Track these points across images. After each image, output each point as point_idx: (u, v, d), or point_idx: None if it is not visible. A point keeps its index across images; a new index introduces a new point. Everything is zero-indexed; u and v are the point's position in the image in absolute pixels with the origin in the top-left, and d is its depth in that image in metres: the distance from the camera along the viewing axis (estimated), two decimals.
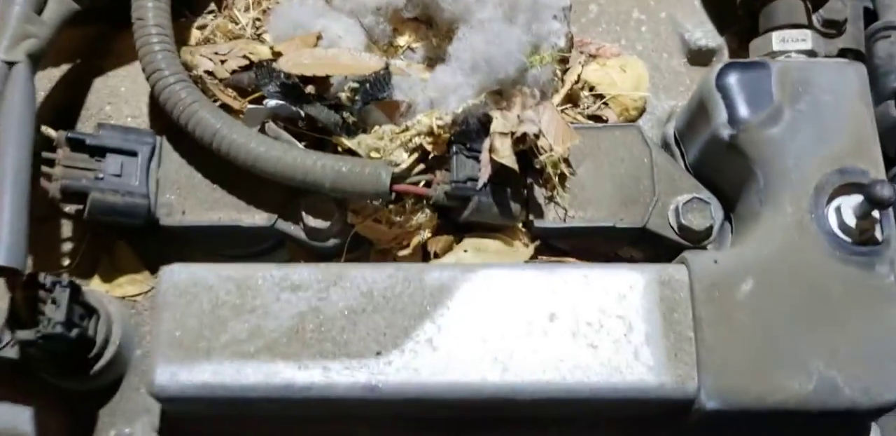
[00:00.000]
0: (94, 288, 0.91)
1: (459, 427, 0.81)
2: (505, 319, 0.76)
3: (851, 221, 0.78)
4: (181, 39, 0.95)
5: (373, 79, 0.82)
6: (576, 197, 0.86)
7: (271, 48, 0.88)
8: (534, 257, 0.87)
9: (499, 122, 0.81)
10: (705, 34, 1.01)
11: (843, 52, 0.95)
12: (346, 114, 0.83)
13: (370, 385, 0.74)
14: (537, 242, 0.87)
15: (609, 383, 0.74)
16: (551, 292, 0.76)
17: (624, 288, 0.76)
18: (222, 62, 0.92)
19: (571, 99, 0.93)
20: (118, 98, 0.99)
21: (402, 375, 0.74)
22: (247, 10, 0.99)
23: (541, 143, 0.81)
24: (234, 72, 0.91)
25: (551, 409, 0.76)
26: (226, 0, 1.00)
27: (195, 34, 0.98)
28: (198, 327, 0.76)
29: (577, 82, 0.92)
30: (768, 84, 0.82)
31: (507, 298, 0.76)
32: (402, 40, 0.95)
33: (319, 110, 0.83)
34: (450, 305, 0.76)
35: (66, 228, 0.94)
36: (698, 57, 1.00)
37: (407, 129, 0.83)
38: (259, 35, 0.96)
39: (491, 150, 0.81)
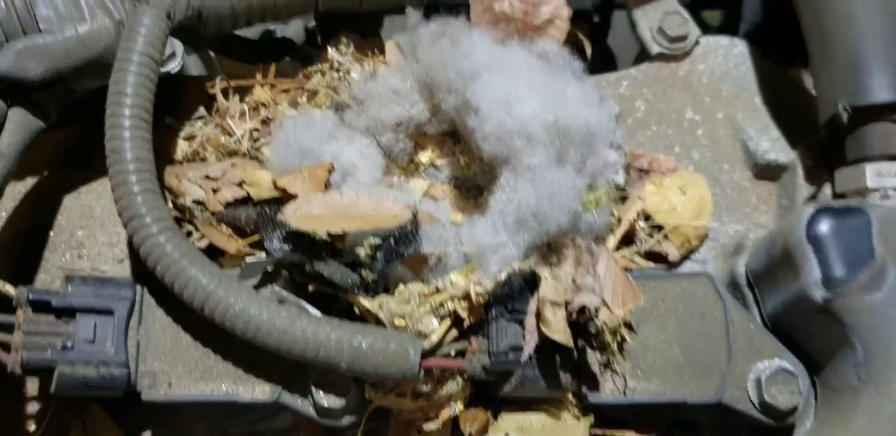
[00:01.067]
0: None
1: None
2: None
3: None
4: (164, 152, 0.82)
5: (398, 233, 0.68)
6: (637, 364, 0.73)
7: (274, 183, 0.74)
8: None
9: (549, 286, 0.67)
10: (773, 145, 0.87)
11: None
12: (365, 272, 0.69)
13: None
14: (591, 417, 0.74)
15: None
16: None
17: None
18: (214, 191, 0.78)
19: (627, 235, 0.79)
20: (93, 220, 0.85)
21: None
22: (241, 117, 0.84)
23: (601, 314, 0.67)
24: (228, 204, 0.77)
25: None
26: (216, 104, 0.85)
27: (181, 146, 0.84)
28: None
29: (636, 220, 0.78)
30: (869, 237, 0.69)
31: None
32: (425, 157, 0.82)
33: (334, 269, 0.69)
34: None
35: (31, 386, 0.80)
36: (765, 172, 0.87)
37: (438, 290, 0.69)
38: (257, 148, 0.82)
39: (539, 318, 0.67)
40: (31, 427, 0.79)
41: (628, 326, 0.71)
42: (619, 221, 0.77)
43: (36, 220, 0.84)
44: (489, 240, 0.67)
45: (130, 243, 0.80)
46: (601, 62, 1.15)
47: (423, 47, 0.77)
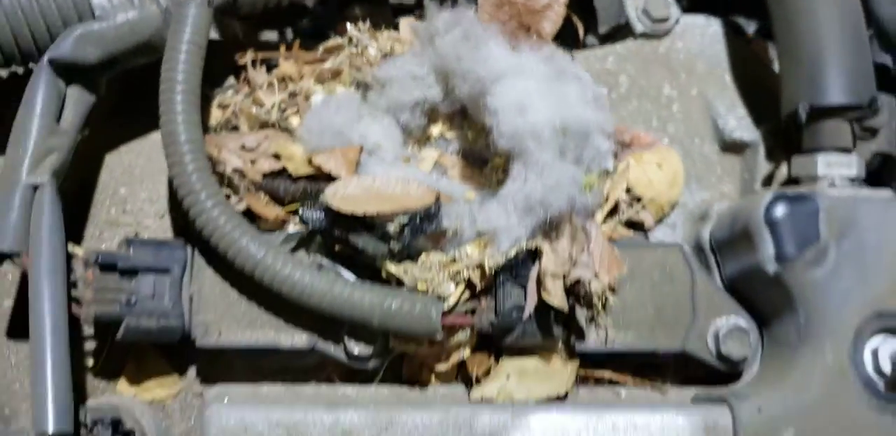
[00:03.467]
0: (122, 391, 0.89)
1: None
2: None
3: (887, 366, 0.80)
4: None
5: (423, 214, 0.79)
6: (617, 320, 0.87)
7: (309, 160, 0.84)
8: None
9: (549, 259, 0.80)
10: (739, 123, 0.98)
11: (875, 157, 0.95)
12: (392, 244, 0.80)
13: None
14: (577, 362, 0.88)
15: None
16: None
17: (670, 433, 0.78)
18: (252, 162, 0.87)
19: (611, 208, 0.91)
20: (133, 178, 0.94)
21: None
22: (269, 87, 0.93)
23: (592, 284, 0.80)
24: (265, 175, 0.87)
25: None
26: (245, 74, 0.94)
27: (215, 114, 0.93)
28: None
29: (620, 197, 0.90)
30: (816, 221, 0.82)
31: None
32: (436, 130, 0.92)
33: (367, 241, 0.80)
34: None
35: (88, 325, 0.91)
36: (731, 147, 0.99)
37: (454, 260, 0.81)
38: (285, 119, 0.91)
39: (541, 286, 0.80)
40: (90, 363, 0.90)
41: (612, 289, 0.85)
42: (607, 198, 0.89)
43: (80, 177, 0.93)
44: (501, 222, 0.79)
45: (171, 199, 0.91)
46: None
47: (439, 37, 0.86)
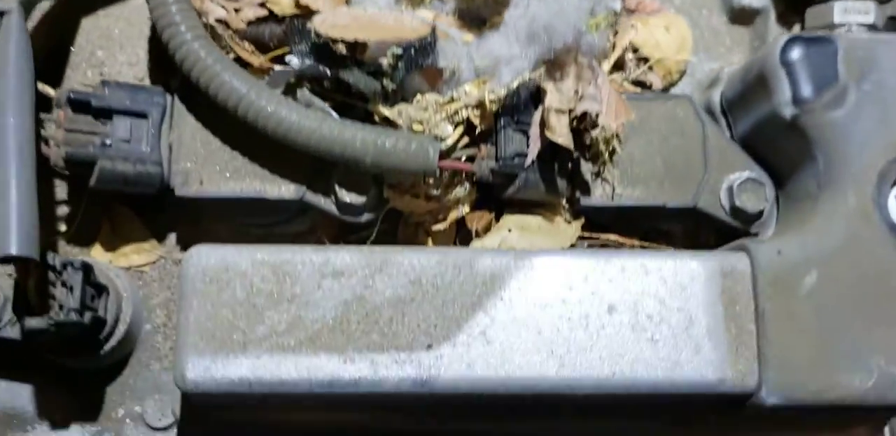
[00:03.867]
0: (96, 258, 0.84)
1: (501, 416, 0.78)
2: (561, 310, 0.72)
3: None
4: None
5: (417, 45, 0.74)
6: (625, 173, 0.82)
7: (296, 1, 0.79)
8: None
9: (554, 96, 0.75)
10: None
11: (893, 20, 0.90)
12: (385, 81, 0.75)
13: (421, 380, 0.70)
14: (581, 220, 0.83)
15: (669, 379, 0.71)
16: (608, 282, 0.73)
17: (685, 279, 0.73)
18: (236, 11, 0.82)
19: (617, 64, 0.86)
20: (111, 42, 0.89)
21: (455, 369, 0.70)
22: None
23: (600, 120, 0.75)
24: (250, 23, 0.81)
25: (606, 402, 0.74)
26: None
27: None
28: (231, 318, 0.70)
29: (627, 49, 0.86)
30: (834, 62, 0.77)
31: (563, 288, 0.72)
32: None
33: (358, 77, 0.75)
34: (503, 296, 0.72)
35: (61, 189, 0.85)
36: (740, 16, 0.94)
37: (453, 100, 0.76)
38: None
39: (544, 126, 0.75)
40: (62, 228, 0.84)
41: (619, 138, 0.79)
42: (613, 46, 0.85)
43: (56, 39, 0.88)
44: (503, 52, 0.74)
45: (150, 63, 0.86)
46: None
47: None
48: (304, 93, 0.76)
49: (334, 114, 0.76)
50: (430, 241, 0.83)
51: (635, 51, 0.89)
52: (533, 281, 0.72)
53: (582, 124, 0.75)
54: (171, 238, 0.86)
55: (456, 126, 0.76)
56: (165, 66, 0.81)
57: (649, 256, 0.74)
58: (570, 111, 0.75)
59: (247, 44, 0.82)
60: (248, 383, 0.69)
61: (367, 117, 0.78)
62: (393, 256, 0.72)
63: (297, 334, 0.70)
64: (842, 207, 0.76)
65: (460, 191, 0.80)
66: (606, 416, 0.79)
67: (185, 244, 0.85)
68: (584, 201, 0.81)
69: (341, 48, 0.75)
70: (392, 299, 0.71)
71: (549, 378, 0.70)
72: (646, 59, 0.89)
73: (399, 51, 0.74)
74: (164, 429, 0.84)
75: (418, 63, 0.75)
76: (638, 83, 0.88)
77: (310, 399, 0.71)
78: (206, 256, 0.71)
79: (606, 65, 0.84)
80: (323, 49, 0.75)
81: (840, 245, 0.74)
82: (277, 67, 0.77)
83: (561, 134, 0.74)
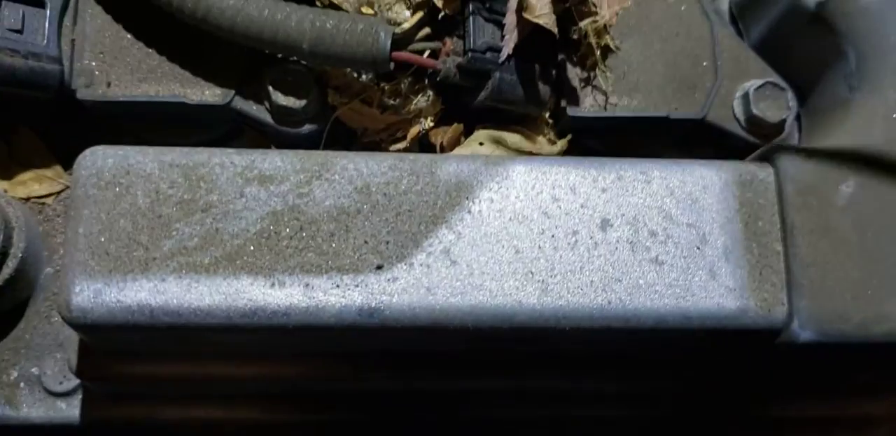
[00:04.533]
0: None
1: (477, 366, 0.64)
2: (543, 225, 0.58)
3: None
4: None
5: None
6: (620, 80, 0.68)
7: None
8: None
9: None
10: None
11: None
12: None
13: (369, 308, 0.55)
14: (568, 138, 0.69)
15: (678, 308, 0.57)
16: (602, 192, 0.59)
17: (695, 189, 0.59)
18: None
19: None
20: None
21: (411, 295, 0.56)
22: None
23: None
24: None
25: (600, 340, 0.60)
26: None
27: None
28: (131, 231, 0.56)
29: None
30: None
31: (546, 200, 0.58)
32: None
33: None
34: (471, 208, 0.58)
35: None
36: None
37: None
38: None
39: (522, 8, 0.62)
40: None
41: (610, 35, 0.67)
42: None
43: None
44: None
45: None
46: None
47: None
48: None
49: None
50: None
51: None
52: (509, 191, 0.58)
53: (566, 3, 0.62)
54: None
55: (415, 10, 0.63)
56: None
57: (652, 164, 0.60)
58: None
59: None
60: (150, 311, 0.55)
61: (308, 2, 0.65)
62: (335, 159, 0.58)
63: (213, 252, 0.56)
64: (881, 106, 0.63)
65: (422, 100, 0.67)
66: (598, 363, 0.64)
67: None
68: (572, 111, 0.68)
69: None
70: (333, 211, 0.57)
71: (529, 306, 0.56)
72: None
73: None
74: (66, 394, 0.69)
75: None
76: None
77: (227, 332, 0.56)
78: (103, 156, 0.57)
79: None
80: None
81: (880, 148, 0.61)
82: None
83: (541, 14, 0.61)
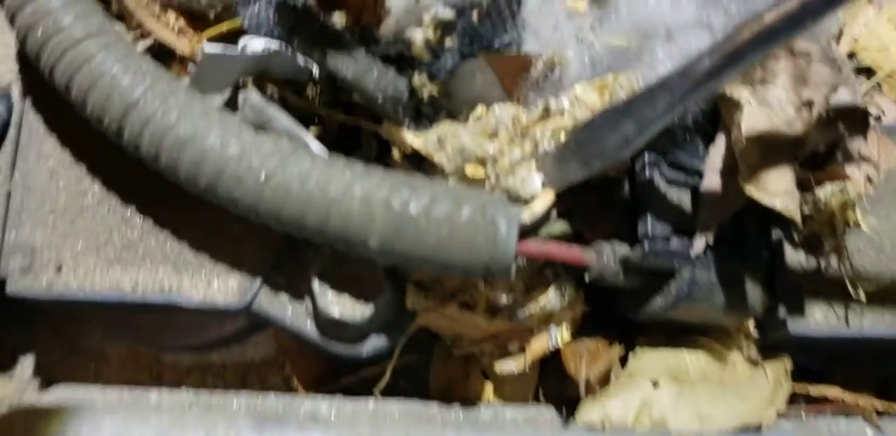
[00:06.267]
0: None
1: None
2: None
3: None
4: None
5: (485, 3, 0.37)
6: (869, 276, 0.42)
7: None
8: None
9: (753, 113, 0.37)
10: None
11: None
12: (419, 77, 0.38)
13: None
14: (787, 361, 0.43)
15: None
16: None
17: None
18: None
19: None
20: None
21: None
22: None
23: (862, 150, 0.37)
24: None
25: None
26: None
27: None
28: None
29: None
30: None
31: None
32: None
33: (362, 68, 0.38)
34: None
35: None
36: None
37: (547, 115, 0.38)
38: None
39: (735, 172, 0.37)
40: None
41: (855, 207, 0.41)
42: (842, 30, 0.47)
43: None
44: (658, 19, 0.36)
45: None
46: None
47: None
48: (251, 98, 0.38)
49: (311, 140, 0.38)
50: (490, 391, 0.44)
51: (851, 56, 0.52)
52: None
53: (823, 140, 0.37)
54: (24, 365, 0.48)
55: None
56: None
57: None
58: (796, 140, 0.36)
59: (173, 18, 0.45)
60: None
61: (379, 152, 0.41)
62: None
63: None
64: None
65: (554, 299, 0.41)
66: None
67: (46, 377, 0.47)
68: (795, 328, 0.42)
69: (339, 19, 0.38)
70: None
71: None
72: (868, 70, 0.51)
73: (448, 14, 0.37)
74: None
75: (484, 39, 0.38)
76: None
77: None
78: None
79: None
80: (299, 14, 0.38)
81: None
82: (210, 48, 0.39)
83: (775, 190, 0.36)
